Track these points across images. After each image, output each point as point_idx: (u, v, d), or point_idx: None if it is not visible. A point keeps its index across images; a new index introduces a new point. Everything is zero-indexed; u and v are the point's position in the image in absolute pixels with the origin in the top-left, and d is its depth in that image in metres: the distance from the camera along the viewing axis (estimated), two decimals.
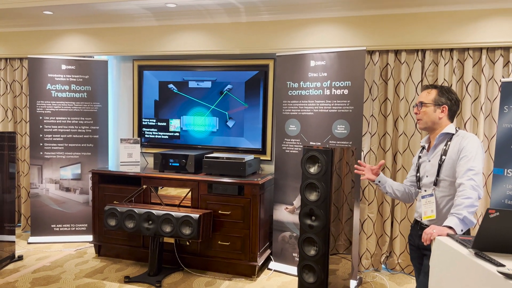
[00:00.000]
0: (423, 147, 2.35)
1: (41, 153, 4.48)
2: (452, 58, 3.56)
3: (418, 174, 2.32)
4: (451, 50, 3.56)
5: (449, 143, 2.18)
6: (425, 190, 2.24)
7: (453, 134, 2.20)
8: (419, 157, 2.35)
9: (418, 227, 2.27)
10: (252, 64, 4.25)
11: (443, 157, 2.16)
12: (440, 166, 2.17)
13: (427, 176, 2.25)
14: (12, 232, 3.90)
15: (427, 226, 2.18)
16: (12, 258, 3.89)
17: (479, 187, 2.00)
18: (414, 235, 2.31)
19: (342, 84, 3.55)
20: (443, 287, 1.78)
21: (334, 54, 3.57)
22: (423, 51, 3.65)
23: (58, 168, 4.51)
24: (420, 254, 2.25)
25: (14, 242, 3.93)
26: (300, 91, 3.74)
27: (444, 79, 3.56)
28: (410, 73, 3.70)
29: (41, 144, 4.48)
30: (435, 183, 2.19)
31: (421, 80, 3.66)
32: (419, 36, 3.58)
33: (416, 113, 2.28)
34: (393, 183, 2.49)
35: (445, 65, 3.56)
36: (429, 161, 2.26)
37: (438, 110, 2.21)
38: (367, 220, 3.83)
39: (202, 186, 3.75)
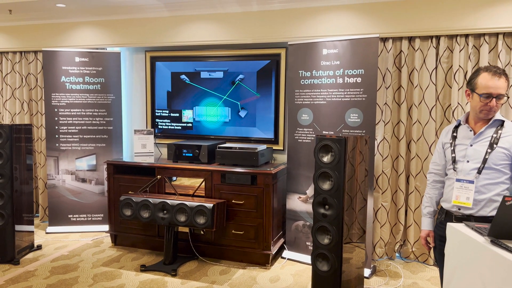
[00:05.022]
0: (456, 127, 2.23)
1: (57, 144, 4.56)
2: (468, 44, 3.49)
3: (453, 155, 2.19)
4: (467, 36, 3.49)
5: (499, 131, 2.08)
6: (463, 175, 2.12)
7: (503, 121, 2.10)
8: (454, 136, 2.21)
9: (452, 218, 2.14)
10: (264, 54, 4.24)
11: (494, 145, 2.06)
12: (489, 153, 2.06)
13: (467, 162, 2.12)
14: (31, 222, 3.99)
15: (463, 216, 2.08)
16: (31, 248, 3.99)
17: None
18: (443, 228, 2.11)
19: (355, 72, 3.52)
20: (458, 274, 1.77)
21: (347, 42, 3.53)
22: (438, 38, 3.59)
23: (74, 160, 4.58)
24: None
25: (33, 232, 4.03)
26: (312, 80, 3.71)
27: (459, 65, 3.50)
28: (424, 60, 3.64)
29: (56, 136, 4.55)
30: (479, 171, 2.08)
31: (436, 67, 3.60)
32: (433, 22, 3.52)
33: (491, 106, 2.05)
34: (433, 208, 2.37)
35: (460, 51, 3.50)
36: (471, 145, 2.13)
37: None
38: (381, 208, 3.82)
39: (216, 176, 3.78)
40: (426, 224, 2.36)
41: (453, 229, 1.82)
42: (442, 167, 2.31)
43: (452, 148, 2.21)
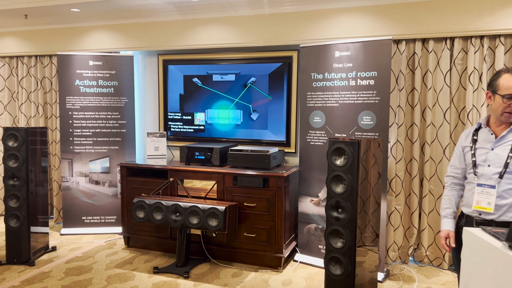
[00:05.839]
0: (476, 130, 2.19)
1: (71, 147, 4.61)
2: (483, 46, 3.45)
3: (474, 159, 2.14)
4: (482, 37, 3.45)
5: None
6: (485, 180, 2.09)
7: None
8: (475, 140, 2.18)
9: (473, 223, 2.10)
10: (276, 56, 4.24)
11: None
12: (510, 158, 2.02)
13: (488, 166, 2.09)
14: (46, 224, 4.04)
15: (484, 221, 2.05)
16: (46, 249, 4.04)
17: None
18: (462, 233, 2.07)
19: (368, 74, 3.49)
20: (474, 280, 1.75)
21: (360, 44, 3.51)
22: (452, 39, 3.55)
23: (88, 162, 4.63)
24: None
25: (47, 233, 4.08)
26: (324, 82, 3.70)
27: (474, 67, 3.46)
28: (438, 62, 3.60)
29: (71, 139, 4.61)
30: (501, 176, 2.04)
31: (450, 69, 3.56)
32: (447, 24, 3.49)
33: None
34: (453, 209, 2.31)
35: (475, 53, 3.46)
36: (492, 149, 2.09)
37: None
38: (394, 212, 3.78)
39: (227, 178, 3.78)
40: (446, 225, 2.29)
41: (470, 233, 1.80)
42: (462, 171, 2.27)
43: (472, 152, 2.16)
